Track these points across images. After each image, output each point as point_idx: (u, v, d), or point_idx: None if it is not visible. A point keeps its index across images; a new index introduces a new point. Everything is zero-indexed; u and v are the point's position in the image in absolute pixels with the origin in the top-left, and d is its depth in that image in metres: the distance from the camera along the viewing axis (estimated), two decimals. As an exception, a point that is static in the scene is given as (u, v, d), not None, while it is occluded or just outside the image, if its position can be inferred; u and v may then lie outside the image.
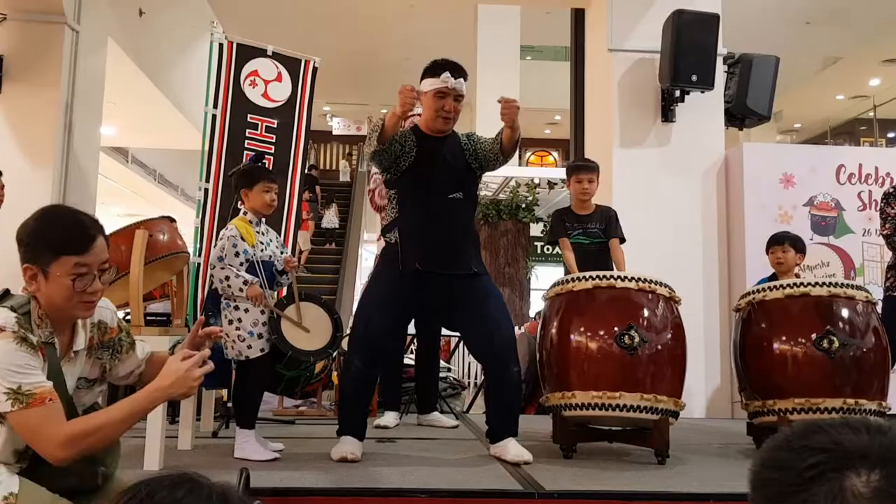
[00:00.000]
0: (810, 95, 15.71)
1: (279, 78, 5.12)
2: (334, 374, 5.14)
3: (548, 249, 14.87)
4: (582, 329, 3.44)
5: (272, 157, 5.06)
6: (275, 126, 5.11)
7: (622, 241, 4.24)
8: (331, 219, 14.12)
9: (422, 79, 3.40)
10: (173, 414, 4.07)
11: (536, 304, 12.91)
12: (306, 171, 15.48)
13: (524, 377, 5.84)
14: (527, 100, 14.21)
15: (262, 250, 3.44)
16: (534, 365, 4.42)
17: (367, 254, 14.23)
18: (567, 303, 3.56)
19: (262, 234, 3.50)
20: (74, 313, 1.81)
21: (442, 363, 5.47)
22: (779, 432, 0.81)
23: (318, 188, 14.42)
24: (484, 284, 3.46)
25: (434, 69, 3.35)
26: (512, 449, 3.26)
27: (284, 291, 3.78)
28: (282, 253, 3.59)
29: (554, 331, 3.55)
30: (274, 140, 5.11)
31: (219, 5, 8.51)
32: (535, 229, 13.44)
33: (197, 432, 3.78)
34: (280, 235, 4.71)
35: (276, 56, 5.13)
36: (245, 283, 3.29)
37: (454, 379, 6.27)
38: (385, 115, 3.22)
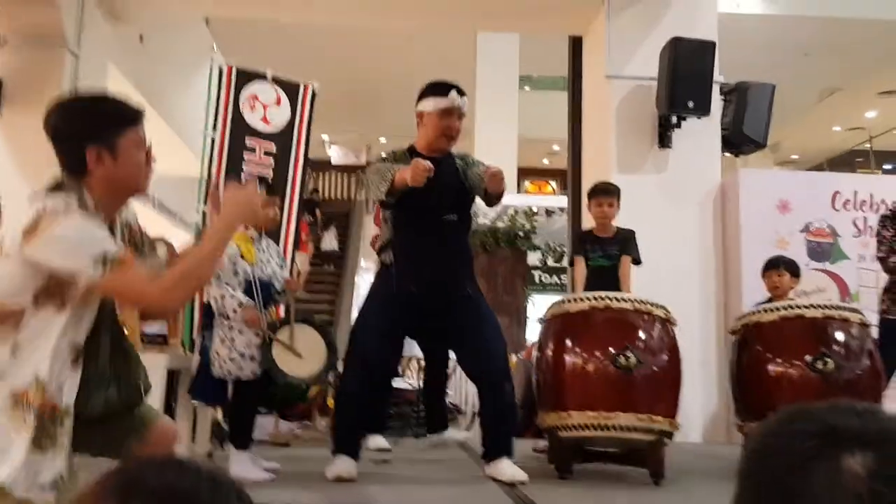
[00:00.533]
0: (808, 127, 15.82)
1: (278, 102, 5.18)
2: (329, 397, 5.12)
3: (545, 278, 14.89)
4: (578, 350, 3.44)
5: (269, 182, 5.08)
6: (273, 150, 5.15)
7: (637, 262, 4.22)
8: (330, 241, 14.17)
9: (422, 98, 3.43)
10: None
11: (534, 332, 12.86)
12: (308, 194, 15.55)
13: (521, 403, 5.84)
14: (525, 130, 14.41)
15: (262, 269, 3.44)
16: (531, 391, 4.40)
17: (364, 283, 14.21)
18: (563, 323, 3.56)
19: (263, 250, 3.50)
20: (141, 189, 1.79)
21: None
22: (764, 421, 0.81)
23: (317, 211, 14.47)
24: (478, 305, 3.47)
25: (439, 89, 3.38)
26: (507, 469, 3.24)
27: (282, 310, 3.77)
28: (282, 268, 3.59)
29: (550, 352, 3.54)
30: (272, 164, 5.15)
31: (218, 33, 8.61)
32: (533, 258, 13.46)
33: (192, 453, 3.76)
34: (280, 241, 4.72)
35: (276, 81, 5.19)
36: (240, 304, 3.29)
37: (451, 404, 6.24)
38: (395, 174, 3.17)
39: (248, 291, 3.38)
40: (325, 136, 17.03)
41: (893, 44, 12.28)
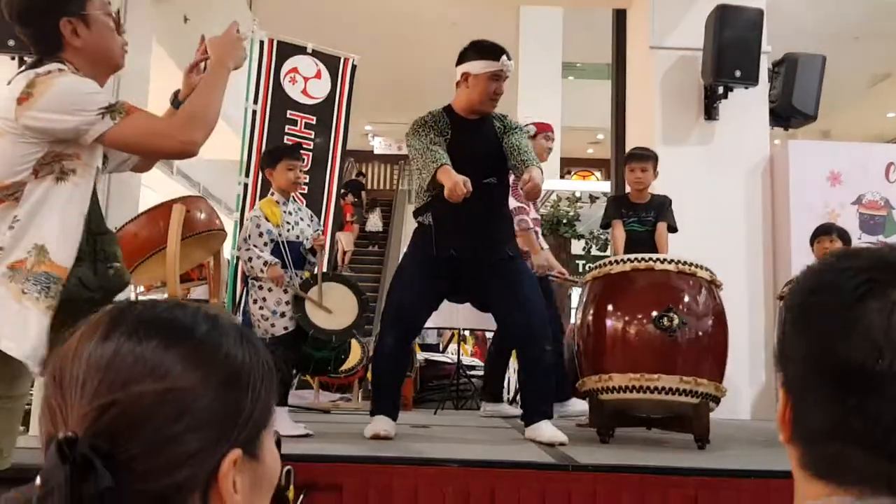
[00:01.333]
0: (860, 113, 15.36)
1: (318, 75, 5.18)
2: (370, 371, 5.11)
3: (589, 267, 14.62)
4: (620, 312, 3.37)
5: (311, 153, 5.10)
6: (314, 122, 5.16)
7: (673, 229, 4.17)
8: (375, 222, 14.45)
9: (467, 59, 3.31)
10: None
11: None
12: (354, 177, 15.66)
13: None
14: (569, 119, 14.24)
15: (288, 230, 3.43)
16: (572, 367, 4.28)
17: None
18: (605, 286, 3.49)
19: (290, 213, 3.49)
20: (118, 61, 1.80)
21: (477, 361, 5.41)
22: (813, 263, 0.77)
23: (363, 193, 14.67)
24: (518, 266, 3.41)
25: (490, 52, 3.27)
26: (546, 430, 3.18)
27: (323, 268, 3.77)
28: (313, 231, 3.57)
29: (591, 314, 3.48)
30: (313, 136, 5.16)
31: (262, 10, 8.67)
32: (577, 246, 13.30)
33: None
34: (321, 216, 4.73)
35: (316, 54, 5.19)
36: (266, 263, 3.29)
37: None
38: (438, 169, 3.06)
39: (276, 253, 3.38)
40: (368, 127, 17.10)
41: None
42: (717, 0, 5.36)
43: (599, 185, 13.48)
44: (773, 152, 5.59)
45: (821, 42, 11.51)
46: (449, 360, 5.27)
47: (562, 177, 16.25)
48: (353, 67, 5.25)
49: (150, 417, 0.65)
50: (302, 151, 4.99)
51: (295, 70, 5.11)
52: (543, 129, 4.70)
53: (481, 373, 5.54)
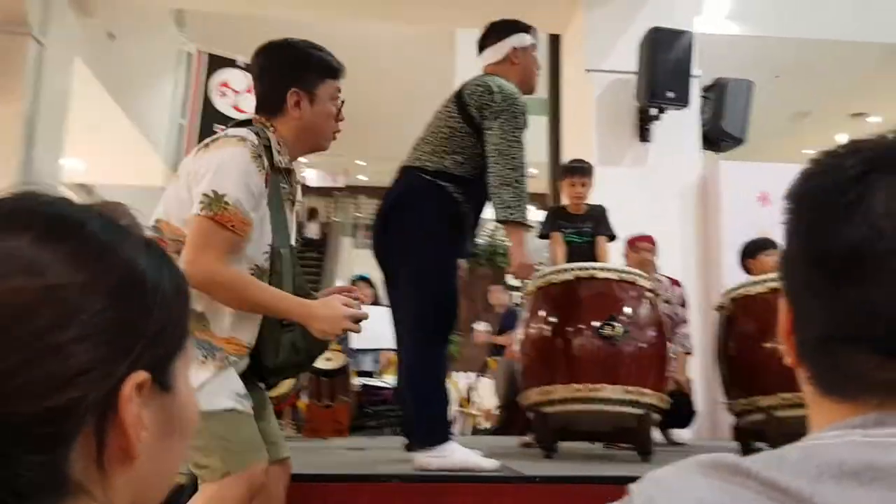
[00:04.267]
0: (778, 149, 16.00)
1: (251, 90, 5.03)
2: (301, 399, 4.90)
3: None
4: (562, 321, 3.29)
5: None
6: (245, 140, 5.00)
7: (611, 238, 4.18)
8: (313, 230, 15.07)
9: (507, 35, 2.93)
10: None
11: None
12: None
13: (504, 403, 5.65)
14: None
15: None
16: (514, 390, 4.20)
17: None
18: (546, 296, 3.41)
19: None
20: (325, 143, 1.86)
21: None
22: (814, 153, 0.70)
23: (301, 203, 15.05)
24: None
25: (524, 27, 2.95)
26: (418, 459, 2.61)
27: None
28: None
29: (533, 325, 3.39)
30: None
31: (195, 28, 8.47)
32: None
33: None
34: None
35: (249, 68, 5.05)
36: None
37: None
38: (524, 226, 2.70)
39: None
40: (303, 160, 16.88)
41: (863, 66, 12.48)
42: (650, 23, 5.47)
43: (536, 213, 13.56)
44: (705, 173, 5.69)
45: (743, 76, 11.96)
46: (387, 385, 5.09)
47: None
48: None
49: (25, 319, 0.51)
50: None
51: (225, 84, 4.96)
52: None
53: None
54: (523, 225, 2.67)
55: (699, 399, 5.18)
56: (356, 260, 14.15)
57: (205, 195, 1.58)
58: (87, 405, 0.51)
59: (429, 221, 2.66)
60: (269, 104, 1.80)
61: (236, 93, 4.97)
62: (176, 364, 0.59)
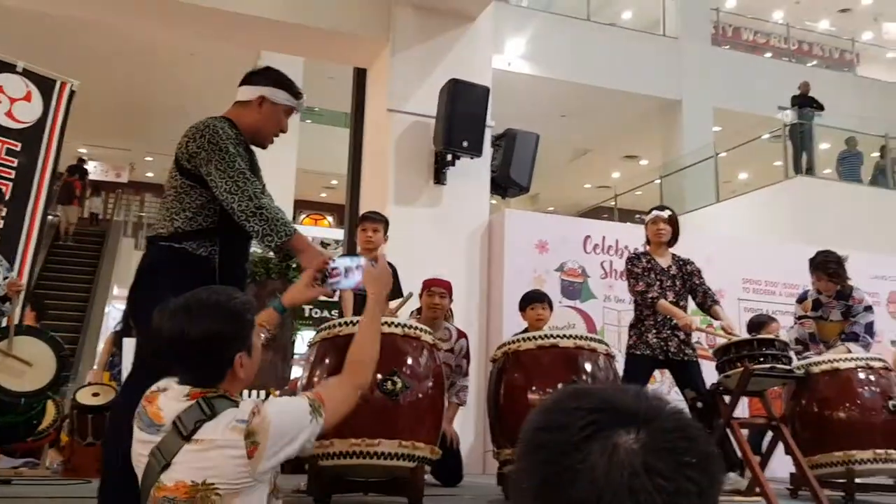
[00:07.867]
0: (563, 182, 17.28)
1: (28, 97, 4.64)
2: (64, 432, 4.57)
3: (316, 313, 14.64)
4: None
5: (11, 183, 4.53)
6: (18, 149, 4.60)
7: (399, 295, 4.27)
8: (96, 205, 15.29)
9: (264, 84, 2.85)
10: None
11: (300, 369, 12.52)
12: (76, 162, 15.29)
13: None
14: (304, 162, 14.24)
15: None
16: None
17: (115, 311, 13.09)
18: (328, 349, 3.47)
19: None
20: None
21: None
22: (547, 397, 0.80)
23: (86, 178, 15.06)
24: None
25: (291, 87, 2.91)
26: None
27: (15, 319, 3.32)
28: (4, 279, 3.15)
29: (315, 378, 3.44)
30: (15, 164, 4.59)
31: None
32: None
33: None
34: (19, 253, 4.19)
35: (28, 74, 4.66)
36: None
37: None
38: None
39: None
40: (82, 150, 15.64)
41: (634, 112, 13.84)
42: (450, 74, 5.73)
43: (332, 231, 13.58)
44: (491, 219, 6.05)
45: (534, 116, 12.85)
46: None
47: (294, 219, 16.14)
48: (71, 93, 4.78)
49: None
50: (1, 182, 4.44)
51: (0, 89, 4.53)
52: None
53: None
54: (290, 236, 2.65)
55: (478, 445, 5.47)
56: (135, 263, 13.30)
57: (310, 420, 1.76)
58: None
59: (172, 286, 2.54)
60: (214, 374, 1.77)
61: (13, 100, 4.55)
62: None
